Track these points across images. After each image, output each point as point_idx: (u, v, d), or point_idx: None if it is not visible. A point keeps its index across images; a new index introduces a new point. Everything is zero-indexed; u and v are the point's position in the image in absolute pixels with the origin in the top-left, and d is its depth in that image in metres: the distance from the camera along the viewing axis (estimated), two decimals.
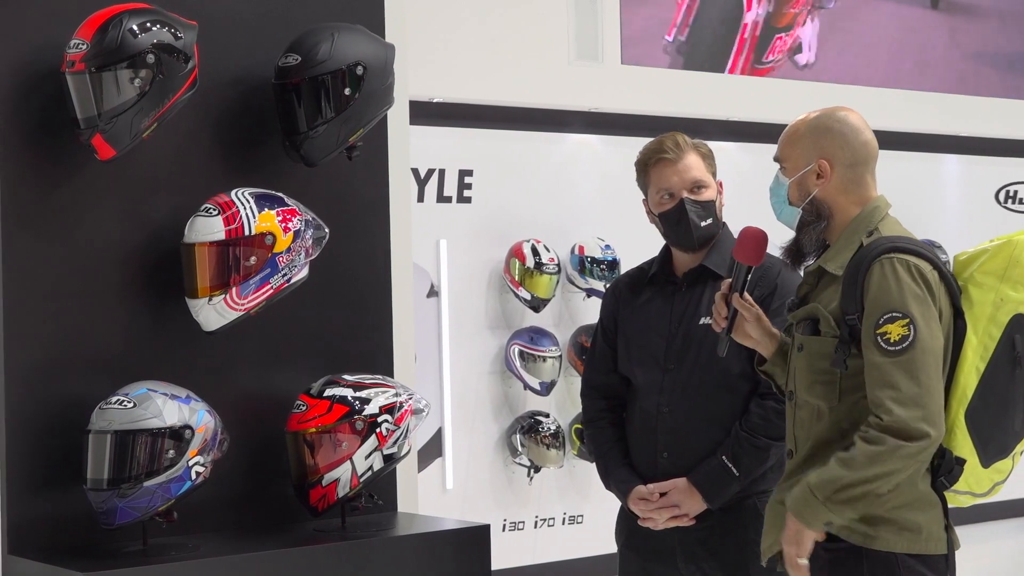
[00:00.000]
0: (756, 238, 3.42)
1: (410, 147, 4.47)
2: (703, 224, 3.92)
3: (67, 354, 3.73)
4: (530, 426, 6.69)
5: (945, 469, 3.20)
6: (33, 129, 3.70)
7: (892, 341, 3.11)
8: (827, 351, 3.25)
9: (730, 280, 3.46)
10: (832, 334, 3.25)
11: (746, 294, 3.44)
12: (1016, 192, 8.43)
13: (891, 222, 3.34)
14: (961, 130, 8.13)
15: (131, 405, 3.57)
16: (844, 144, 3.32)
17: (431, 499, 6.20)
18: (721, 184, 3.99)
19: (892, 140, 7.72)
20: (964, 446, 3.20)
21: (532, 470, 6.71)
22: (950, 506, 3.30)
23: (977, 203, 8.34)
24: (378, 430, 3.83)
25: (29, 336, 3.68)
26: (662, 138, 3.97)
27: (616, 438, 4.06)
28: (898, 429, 3.07)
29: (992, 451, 3.20)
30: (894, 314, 3.12)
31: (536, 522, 6.86)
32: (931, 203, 8.14)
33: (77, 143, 3.64)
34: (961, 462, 3.20)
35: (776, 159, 3.43)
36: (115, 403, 3.58)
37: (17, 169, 3.68)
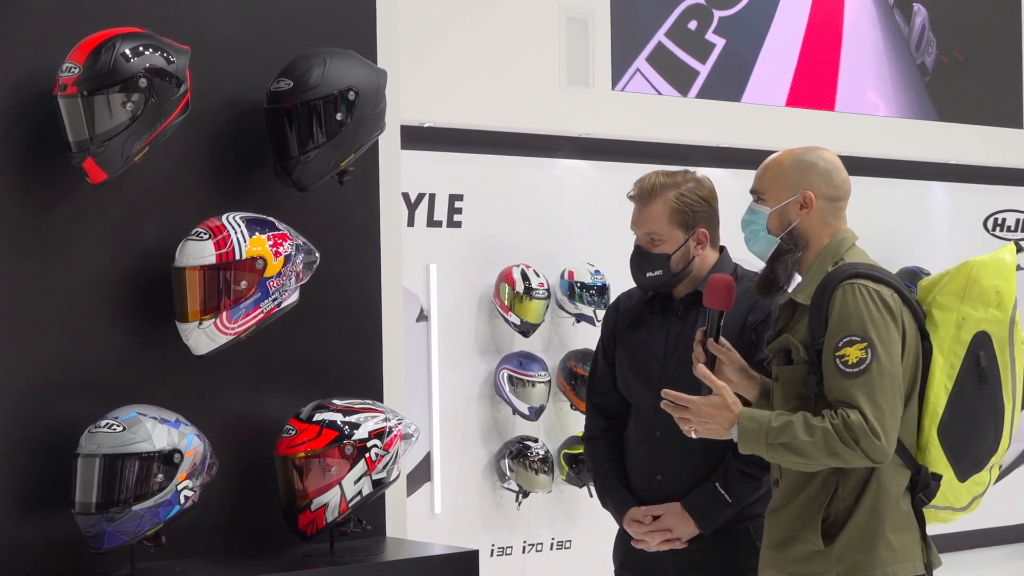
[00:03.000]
0: (724, 284, 3.55)
1: (401, 172, 4.47)
2: (648, 275, 4.00)
3: (56, 377, 3.73)
4: (519, 451, 6.68)
5: (922, 485, 3.31)
6: (24, 152, 3.70)
7: (849, 363, 3.23)
8: (799, 377, 3.36)
9: (704, 327, 3.55)
10: (802, 360, 3.35)
11: (722, 339, 3.54)
12: (1004, 220, 8.45)
13: (857, 252, 3.46)
14: (950, 157, 8.17)
15: (120, 429, 3.56)
16: (828, 179, 3.47)
17: (419, 523, 6.18)
18: (705, 234, 3.97)
19: (881, 167, 7.78)
20: (939, 462, 3.30)
21: (520, 495, 6.70)
22: (935, 525, 3.40)
23: (966, 231, 8.37)
24: (367, 455, 3.82)
25: (18, 358, 3.68)
26: (644, 177, 4.03)
27: (614, 458, 4.08)
28: (869, 445, 3.18)
29: (967, 465, 3.30)
30: (853, 337, 3.24)
31: (524, 547, 6.84)
32: (920, 230, 8.16)
33: (68, 166, 3.64)
34: (937, 478, 3.31)
35: (754, 190, 3.54)
36: (104, 427, 3.57)
37: (8, 192, 3.68)
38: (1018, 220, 8.51)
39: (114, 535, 3.54)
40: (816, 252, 3.45)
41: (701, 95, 7.36)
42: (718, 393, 3.37)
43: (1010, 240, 8.45)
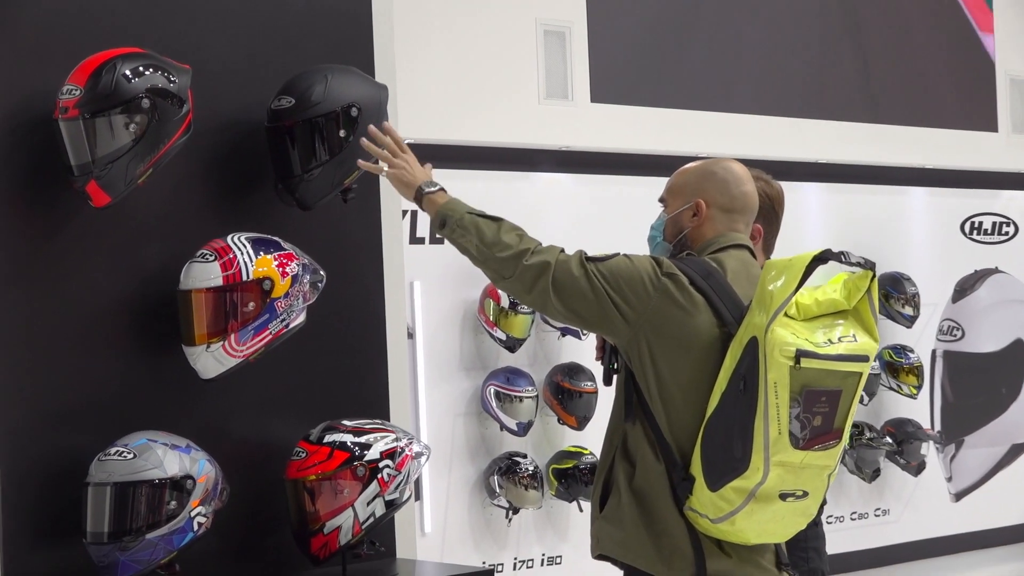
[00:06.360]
0: None
1: None
2: None
3: (64, 405, 3.66)
4: (508, 467, 6.63)
5: (677, 480, 3.25)
6: (25, 177, 3.64)
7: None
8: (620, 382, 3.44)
9: None
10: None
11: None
12: (981, 223, 8.49)
13: (728, 255, 3.37)
14: (926, 162, 8.20)
15: (131, 456, 3.50)
16: (724, 189, 3.42)
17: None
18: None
19: (858, 174, 7.80)
20: (696, 464, 3.23)
21: (511, 511, 6.65)
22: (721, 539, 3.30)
23: (943, 235, 8.39)
24: (379, 476, 3.77)
25: (24, 386, 3.61)
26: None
27: None
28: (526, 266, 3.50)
29: (715, 475, 3.20)
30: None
31: (515, 564, 6.80)
32: (898, 236, 8.17)
33: (69, 191, 3.58)
34: (691, 479, 3.24)
35: (661, 198, 3.53)
36: (114, 454, 3.51)
37: (9, 218, 3.62)
38: (995, 223, 8.55)
39: (128, 564, 3.48)
40: None
41: (681, 105, 7.35)
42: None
43: (988, 243, 8.50)
